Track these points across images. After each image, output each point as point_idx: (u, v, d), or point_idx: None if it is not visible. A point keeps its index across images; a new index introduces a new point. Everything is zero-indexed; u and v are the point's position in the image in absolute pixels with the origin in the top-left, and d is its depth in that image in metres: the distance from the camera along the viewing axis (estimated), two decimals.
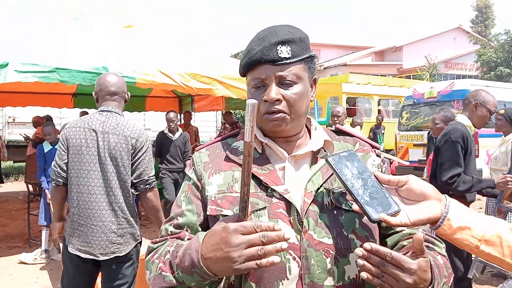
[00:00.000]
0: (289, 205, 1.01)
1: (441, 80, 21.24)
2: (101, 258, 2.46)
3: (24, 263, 4.95)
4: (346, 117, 6.03)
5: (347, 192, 0.96)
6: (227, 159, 1.11)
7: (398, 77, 21.70)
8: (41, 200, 5.38)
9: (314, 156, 1.10)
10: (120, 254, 2.49)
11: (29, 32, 5.63)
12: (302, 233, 0.98)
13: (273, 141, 1.10)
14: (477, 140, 8.71)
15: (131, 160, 2.52)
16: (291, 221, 1.00)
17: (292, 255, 0.97)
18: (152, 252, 1.09)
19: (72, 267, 2.56)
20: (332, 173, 1.03)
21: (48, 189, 5.14)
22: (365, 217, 0.99)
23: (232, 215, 0.94)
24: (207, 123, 13.52)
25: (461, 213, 0.93)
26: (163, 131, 6.40)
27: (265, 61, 1.02)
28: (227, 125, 9.27)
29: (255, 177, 1.04)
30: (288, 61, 1.02)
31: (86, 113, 8.31)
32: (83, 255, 2.47)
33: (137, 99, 8.76)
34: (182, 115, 9.03)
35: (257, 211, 1.01)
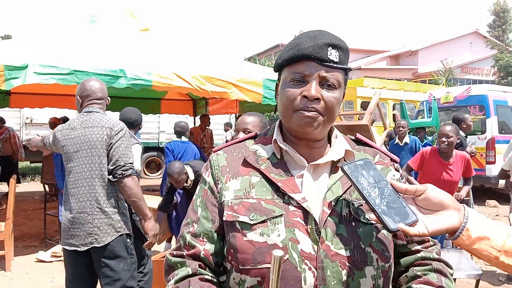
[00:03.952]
0: (306, 214, 0.99)
1: (457, 85, 20.99)
2: (82, 248, 2.55)
3: (42, 261, 5.02)
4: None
5: (364, 201, 0.94)
6: (245, 163, 1.09)
7: (413, 81, 21.49)
8: (59, 196, 5.47)
9: (334, 165, 1.07)
10: (98, 245, 2.54)
11: (48, 35, 5.73)
12: (319, 243, 0.97)
13: (294, 145, 1.08)
14: (494, 146, 8.59)
15: (107, 149, 2.61)
16: (308, 230, 0.98)
17: (308, 265, 0.96)
18: (173, 281, 1.06)
19: (69, 262, 2.67)
20: (352, 184, 1.01)
21: None
22: (382, 231, 0.99)
23: None
24: (221, 126, 13.55)
25: (480, 223, 0.91)
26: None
27: (313, 58, 1.01)
28: None
29: (272, 183, 1.03)
30: (334, 65, 1.02)
31: None
32: (67, 247, 2.59)
33: (152, 102, 8.84)
34: (199, 118, 9.06)
35: (273, 218, 0.99)
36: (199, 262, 1.07)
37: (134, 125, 3.89)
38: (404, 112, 7.72)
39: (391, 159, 1.15)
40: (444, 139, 4.14)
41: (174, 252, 1.11)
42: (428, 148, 4.47)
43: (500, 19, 34.79)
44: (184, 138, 5.62)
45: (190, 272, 1.05)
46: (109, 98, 2.86)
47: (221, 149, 1.17)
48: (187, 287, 1.04)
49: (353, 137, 1.18)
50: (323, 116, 1.02)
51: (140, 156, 3.79)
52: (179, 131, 5.55)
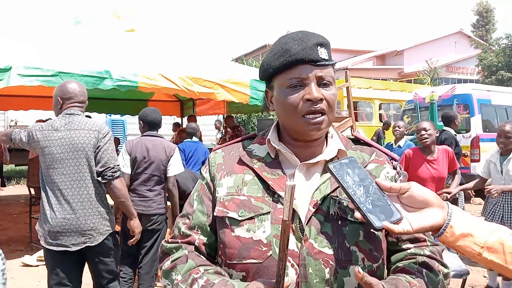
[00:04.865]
0: (292, 212, 1.01)
1: (442, 84, 21.22)
2: (73, 248, 2.58)
3: (28, 265, 4.96)
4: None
5: (349, 200, 0.95)
6: (240, 161, 1.12)
7: (399, 81, 21.70)
8: None
9: (327, 165, 1.08)
10: (91, 244, 2.61)
11: (32, 36, 5.66)
12: (303, 241, 0.98)
13: (291, 145, 1.09)
14: (478, 145, 8.71)
15: (94, 152, 2.63)
16: (293, 228, 0.99)
17: (290, 262, 0.97)
18: (169, 261, 1.09)
19: (56, 263, 2.64)
20: (337, 183, 1.02)
21: None
22: (372, 230, 0.99)
23: (267, 282, 0.93)
24: (208, 127, 13.53)
25: (464, 220, 0.92)
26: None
27: (307, 61, 1.01)
28: (228, 129, 9.27)
29: (263, 182, 1.05)
30: (327, 63, 1.03)
31: (89, 117, 8.32)
32: (55, 248, 2.59)
33: (139, 103, 8.77)
34: (186, 119, 9.02)
35: (260, 215, 1.02)
36: (194, 247, 1.10)
37: (158, 125, 3.81)
38: (434, 113, 7.32)
39: (392, 158, 1.16)
40: (423, 132, 4.14)
41: (169, 240, 1.14)
42: (410, 150, 4.49)
43: (484, 19, 35.33)
44: (195, 139, 5.86)
45: (187, 253, 1.08)
46: (87, 101, 2.86)
47: (220, 148, 1.20)
48: (185, 261, 1.05)
49: (352, 137, 1.19)
50: (328, 115, 1.03)
51: None
52: (190, 132, 5.87)
